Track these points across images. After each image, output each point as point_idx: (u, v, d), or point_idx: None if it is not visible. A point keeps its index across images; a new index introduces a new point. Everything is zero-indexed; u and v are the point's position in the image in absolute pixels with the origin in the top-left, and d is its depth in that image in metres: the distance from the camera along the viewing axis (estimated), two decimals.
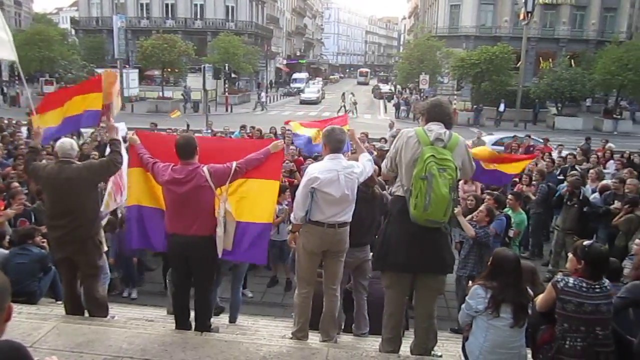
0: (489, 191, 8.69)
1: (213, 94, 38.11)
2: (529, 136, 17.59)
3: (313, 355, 4.17)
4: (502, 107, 34.21)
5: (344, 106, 40.07)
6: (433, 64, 42.56)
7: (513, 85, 35.27)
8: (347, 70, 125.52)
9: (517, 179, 10.67)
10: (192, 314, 4.93)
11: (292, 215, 4.75)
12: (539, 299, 4.22)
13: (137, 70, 42.26)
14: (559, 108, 34.82)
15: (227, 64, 40.89)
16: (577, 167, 11.83)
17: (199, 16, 54.19)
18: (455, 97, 38.83)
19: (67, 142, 5.21)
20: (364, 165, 4.73)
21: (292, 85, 61.84)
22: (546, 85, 33.55)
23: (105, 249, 5.77)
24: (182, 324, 4.83)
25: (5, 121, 17.68)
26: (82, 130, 14.17)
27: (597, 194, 9.43)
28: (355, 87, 66.53)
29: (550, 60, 45.45)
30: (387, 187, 7.10)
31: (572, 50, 45.98)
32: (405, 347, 4.51)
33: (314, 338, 4.87)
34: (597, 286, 3.92)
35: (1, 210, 7.32)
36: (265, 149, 4.87)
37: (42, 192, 5.18)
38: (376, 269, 4.67)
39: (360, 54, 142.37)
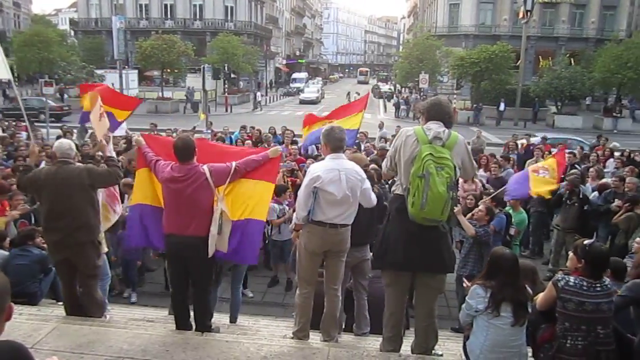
0: (487, 190, 8.70)
1: (213, 95, 38.15)
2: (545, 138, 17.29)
3: (314, 355, 4.17)
4: (502, 107, 34.24)
5: None
6: (432, 63, 42.56)
7: (513, 84, 35.30)
8: (347, 70, 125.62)
9: None
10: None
11: (294, 215, 4.75)
12: (540, 297, 4.23)
13: (136, 71, 42.24)
14: (559, 107, 34.85)
15: (226, 64, 40.92)
16: (576, 165, 11.82)
17: (198, 16, 54.20)
18: (454, 96, 38.89)
19: (65, 143, 5.20)
20: (369, 185, 4.71)
21: (291, 85, 61.93)
22: (546, 83, 33.57)
23: (106, 249, 5.77)
24: (182, 324, 4.83)
25: (6, 123, 17.69)
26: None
27: (596, 193, 9.43)
28: (355, 87, 66.48)
29: (550, 58, 45.46)
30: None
31: (572, 48, 46.05)
32: (406, 346, 4.51)
33: (314, 338, 4.87)
34: (597, 285, 3.92)
35: (6, 211, 7.35)
36: (264, 152, 4.93)
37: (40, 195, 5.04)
38: (375, 268, 4.67)
39: (360, 53, 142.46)
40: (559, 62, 39.13)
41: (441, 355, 4.74)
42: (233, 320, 6.26)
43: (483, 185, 9.76)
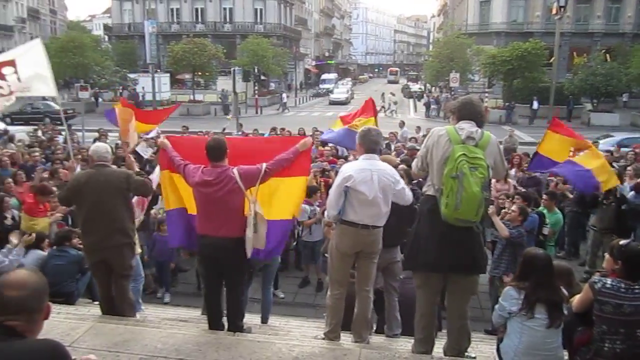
0: (519, 189, 8.57)
1: (243, 97, 38.47)
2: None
3: (345, 356, 4.16)
4: (535, 105, 33.57)
5: (384, 106, 40.06)
6: (463, 61, 42.08)
7: (546, 81, 34.57)
8: (376, 70, 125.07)
9: (552, 178, 10.47)
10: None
11: (325, 213, 4.76)
12: (576, 300, 4.13)
13: (168, 75, 42.91)
14: (595, 104, 34.03)
15: (256, 67, 41.20)
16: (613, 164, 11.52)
17: (228, 20, 54.80)
18: (486, 94, 38.23)
19: (102, 147, 5.32)
20: (404, 188, 4.65)
21: (321, 86, 61.95)
22: (580, 80, 32.84)
23: (139, 250, 5.88)
24: (214, 324, 4.88)
25: (44, 127, 18.17)
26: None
27: (633, 192, 9.16)
28: (385, 87, 66.17)
29: (585, 55, 44.28)
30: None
31: (607, 44, 44.78)
32: (439, 348, 4.47)
33: (345, 339, 4.87)
34: (636, 287, 3.81)
35: (47, 212, 7.63)
36: (294, 148, 4.88)
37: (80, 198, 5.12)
38: (407, 269, 4.63)
39: (389, 53, 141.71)
40: (594, 58, 38.14)
41: (474, 357, 4.68)
42: (264, 320, 6.30)
43: (515, 186, 9.62)
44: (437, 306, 4.53)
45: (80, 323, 4.62)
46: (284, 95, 43.91)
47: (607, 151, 12.75)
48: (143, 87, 37.94)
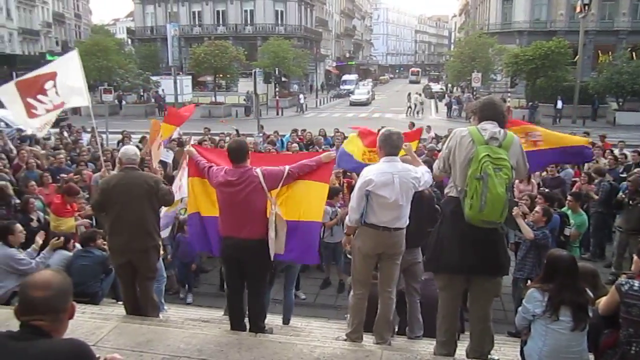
0: (542, 190, 8.45)
1: (264, 98, 38.61)
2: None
3: (367, 357, 4.16)
4: (559, 104, 33.07)
5: (410, 107, 39.92)
6: (485, 61, 41.70)
7: (570, 80, 34.07)
8: (397, 71, 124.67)
9: (576, 178, 10.33)
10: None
11: (347, 217, 4.75)
12: (602, 302, 4.06)
13: (190, 77, 43.36)
14: (620, 103, 33.40)
15: (277, 68, 41.40)
16: None
17: (249, 22, 55.14)
18: (509, 94, 37.84)
19: (130, 149, 5.38)
20: (422, 174, 4.62)
21: (341, 87, 61.91)
22: (606, 79, 32.25)
23: (162, 252, 5.95)
24: (236, 325, 4.91)
25: (69, 129, 18.47)
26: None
27: None
28: (407, 87, 65.86)
29: (610, 53, 43.49)
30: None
31: (633, 42, 43.82)
32: (461, 350, 4.43)
33: (367, 340, 4.85)
34: None
35: (75, 212, 7.91)
36: (317, 157, 4.93)
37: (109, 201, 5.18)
38: (429, 270, 4.60)
39: (410, 53, 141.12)
40: (619, 56, 37.38)
41: None
42: (286, 321, 6.31)
43: (539, 184, 9.49)
44: (459, 308, 4.50)
45: (105, 323, 4.69)
46: (301, 96, 44.02)
47: (635, 152, 12.46)
48: (163, 90, 38.36)
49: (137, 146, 12.61)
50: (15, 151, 12.12)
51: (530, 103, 34.83)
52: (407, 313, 5.60)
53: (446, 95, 48.49)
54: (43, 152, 12.54)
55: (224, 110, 38.57)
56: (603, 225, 9.97)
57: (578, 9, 34.01)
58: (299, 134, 16.81)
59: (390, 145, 4.55)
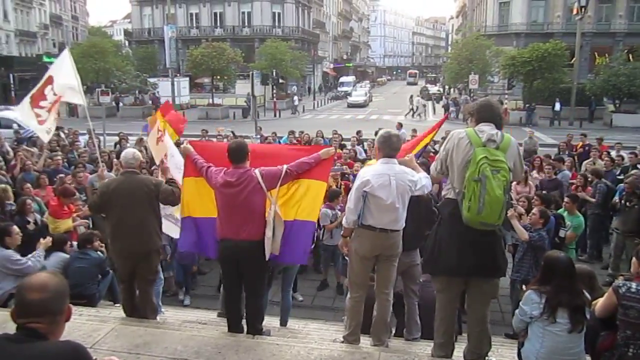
0: (539, 192, 8.45)
1: (261, 100, 38.60)
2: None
3: (364, 359, 4.16)
4: (557, 106, 33.12)
5: (413, 109, 39.94)
6: (482, 63, 41.73)
7: (567, 82, 34.14)
8: (395, 73, 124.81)
9: (573, 181, 10.34)
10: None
11: (344, 219, 4.74)
12: (599, 304, 4.07)
13: (187, 79, 43.35)
14: (617, 105, 33.49)
15: (274, 70, 41.41)
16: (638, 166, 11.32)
17: (246, 23, 55.09)
18: (506, 96, 37.95)
19: (129, 153, 5.36)
20: (419, 178, 4.57)
21: (339, 89, 61.94)
22: (602, 81, 32.33)
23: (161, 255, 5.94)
24: (234, 326, 4.90)
25: (66, 131, 18.42)
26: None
27: None
28: (404, 89, 65.90)
29: (606, 55, 43.66)
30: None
31: (630, 44, 43.82)
32: (459, 352, 4.43)
33: (365, 342, 4.85)
34: None
35: (72, 213, 7.89)
36: (316, 154, 4.90)
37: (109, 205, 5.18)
38: (426, 272, 4.59)
39: (408, 55, 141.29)
40: (616, 58, 37.52)
41: None
42: (283, 323, 6.31)
43: (537, 186, 9.50)
44: (457, 310, 4.50)
45: (102, 325, 4.68)
46: (296, 98, 44.03)
47: (632, 153, 12.49)
48: (158, 92, 38.30)
49: (140, 150, 12.64)
50: (12, 153, 12.09)
51: (527, 105, 34.89)
52: (405, 315, 5.61)
53: (443, 97, 48.55)
54: (40, 153, 12.49)
55: (222, 112, 38.55)
56: (600, 227, 10.00)
57: (575, 11, 34.18)
58: (297, 135, 16.82)
59: (389, 146, 4.54)
